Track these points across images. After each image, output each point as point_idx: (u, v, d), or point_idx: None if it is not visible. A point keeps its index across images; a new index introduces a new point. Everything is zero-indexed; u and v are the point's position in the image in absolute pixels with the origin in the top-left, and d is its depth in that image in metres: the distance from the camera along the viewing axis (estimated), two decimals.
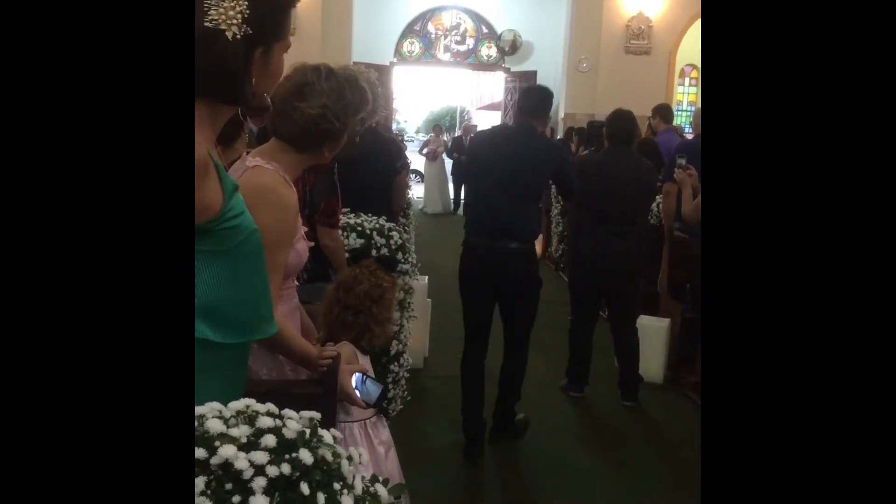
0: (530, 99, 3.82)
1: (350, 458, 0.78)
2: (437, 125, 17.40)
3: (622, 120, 4.53)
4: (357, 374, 1.96)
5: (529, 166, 3.61)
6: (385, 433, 2.17)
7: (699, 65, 15.82)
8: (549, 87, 3.99)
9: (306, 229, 2.05)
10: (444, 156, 14.84)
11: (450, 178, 14.88)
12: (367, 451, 1.57)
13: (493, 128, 4.41)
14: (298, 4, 1.66)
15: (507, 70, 14.05)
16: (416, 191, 11.52)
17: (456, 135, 17.10)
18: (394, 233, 3.42)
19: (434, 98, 53.44)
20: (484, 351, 3.78)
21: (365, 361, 2.16)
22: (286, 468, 0.71)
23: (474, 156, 3.89)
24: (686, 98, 15.72)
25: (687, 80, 15.59)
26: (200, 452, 0.70)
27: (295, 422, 0.76)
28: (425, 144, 16.27)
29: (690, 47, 13.54)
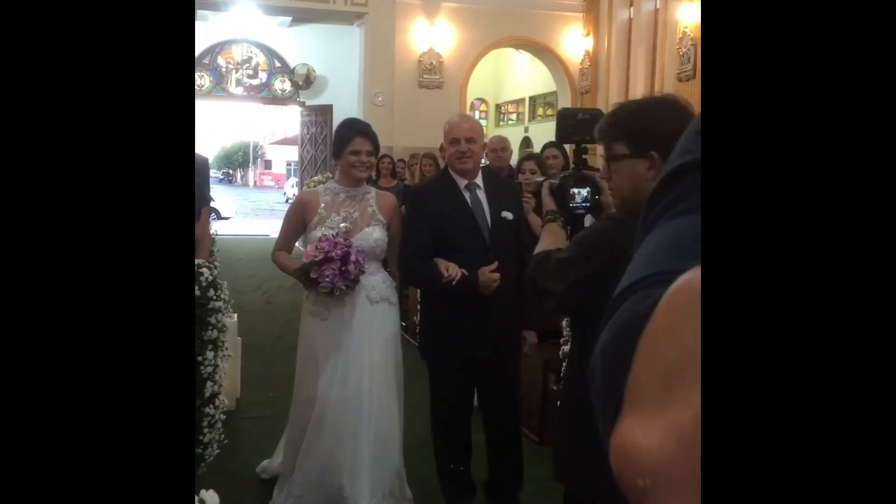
0: None
1: None
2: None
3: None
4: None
5: None
6: None
7: (488, 99, 16.65)
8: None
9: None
10: None
11: None
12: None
13: None
14: None
15: (301, 104, 13.99)
16: None
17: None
18: (203, 269, 3.28)
19: (226, 133, 52.10)
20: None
21: None
22: None
23: None
24: None
25: (477, 113, 16.34)
26: None
27: None
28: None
29: (479, 82, 14.23)
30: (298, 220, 3.31)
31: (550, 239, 2.04)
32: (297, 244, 3.62)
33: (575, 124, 2.12)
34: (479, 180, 3.24)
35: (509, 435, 3.34)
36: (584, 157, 2.14)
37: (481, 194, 3.22)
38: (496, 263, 3.09)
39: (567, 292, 1.87)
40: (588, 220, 2.15)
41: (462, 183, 3.21)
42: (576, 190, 2.05)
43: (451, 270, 2.99)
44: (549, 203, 2.12)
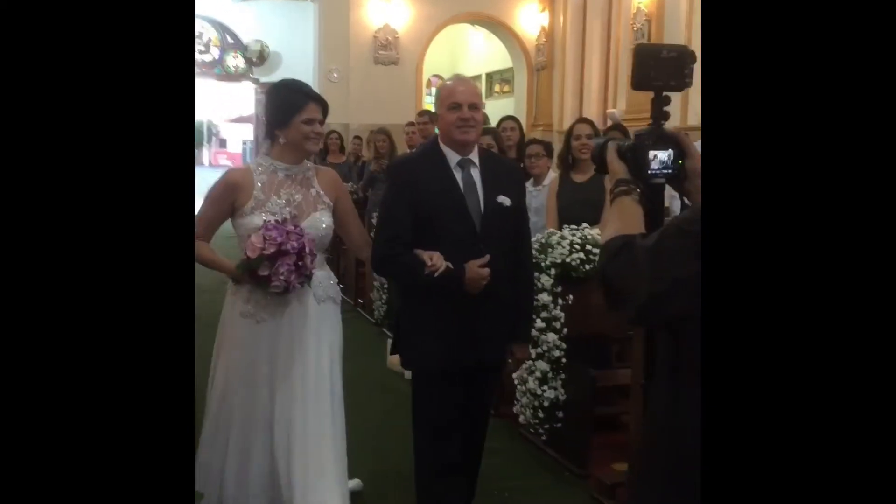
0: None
1: None
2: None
3: None
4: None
5: None
6: None
7: (444, 75, 16.53)
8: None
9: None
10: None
11: None
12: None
13: None
14: None
15: (255, 81, 13.76)
16: None
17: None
18: None
19: None
20: None
21: None
22: None
23: None
24: (434, 108, 16.36)
25: (433, 89, 16.24)
26: None
27: None
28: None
29: (435, 58, 14.11)
30: (226, 203, 2.73)
31: (624, 219, 1.50)
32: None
33: (658, 65, 1.59)
34: (474, 157, 2.75)
35: (470, 457, 2.91)
36: (665, 108, 1.63)
37: (476, 173, 2.73)
38: (487, 257, 2.64)
39: (659, 297, 1.30)
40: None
41: (454, 159, 2.72)
42: (654, 152, 1.56)
43: (435, 259, 2.52)
44: (618, 170, 1.59)
